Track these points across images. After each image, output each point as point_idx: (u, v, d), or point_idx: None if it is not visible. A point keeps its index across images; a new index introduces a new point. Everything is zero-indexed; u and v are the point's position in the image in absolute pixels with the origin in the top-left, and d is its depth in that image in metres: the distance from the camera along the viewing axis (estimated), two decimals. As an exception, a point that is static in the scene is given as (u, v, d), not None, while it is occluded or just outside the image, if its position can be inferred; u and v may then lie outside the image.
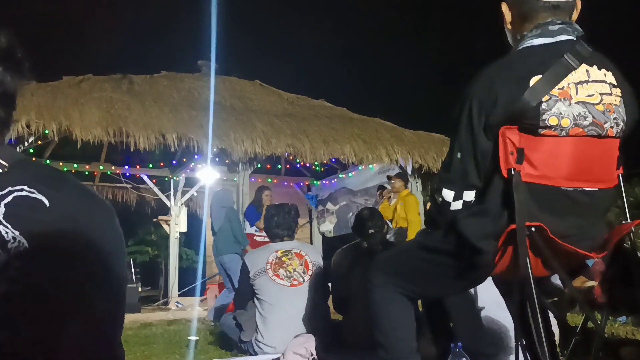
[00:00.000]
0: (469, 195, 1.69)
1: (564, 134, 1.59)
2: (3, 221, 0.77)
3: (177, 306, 8.70)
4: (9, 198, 0.78)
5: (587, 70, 1.62)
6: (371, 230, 3.86)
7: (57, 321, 0.78)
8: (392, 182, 7.65)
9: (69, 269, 0.80)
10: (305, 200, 11.11)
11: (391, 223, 7.51)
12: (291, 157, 8.29)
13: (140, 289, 9.68)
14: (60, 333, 0.79)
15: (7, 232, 0.76)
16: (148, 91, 8.44)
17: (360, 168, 9.90)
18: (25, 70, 0.89)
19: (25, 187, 0.80)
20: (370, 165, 9.59)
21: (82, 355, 0.83)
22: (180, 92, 8.84)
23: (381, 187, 8.49)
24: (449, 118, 1.76)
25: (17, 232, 0.77)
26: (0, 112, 0.87)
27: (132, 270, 11.78)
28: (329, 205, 10.98)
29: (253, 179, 8.85)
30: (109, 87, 8.12)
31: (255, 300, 3.74)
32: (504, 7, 1.79)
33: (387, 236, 7.30)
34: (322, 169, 10.81)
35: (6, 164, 0.80)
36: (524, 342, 1.75)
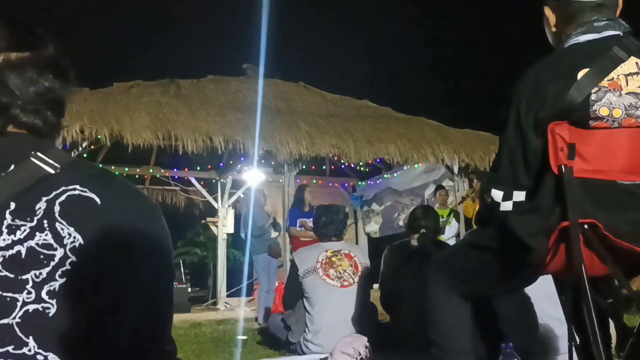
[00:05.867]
0: (519, 196, 1.66)
1: (617, 125, 1.54)
2: (59, 218, 0.80)
3: (226, 306, 8.83)
4: (63, 197, 0.82)
5: (636, 63, 1.57)
6: (423, 230, 3.82)
7: (111, 313, 0.81)
8: (474, 183, 8.24)
9: (121, 263, 0.82)
10: (350, 201, 11.09)
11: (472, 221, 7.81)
12: (336, 158, 8.29)
13: (189, 290, 9.87)
14: (113, 325, 0.81)
15: (62, 229, 0.80)
16: (195, 95, 8.60)
17: (405, 168, 9.82)
18: (72, 78, 0.94)
19: (78, 186, 0.83)
20: (416, 165, 9.50)
21: (135, 348, 0.86)
22: (226, 95, 8.97)
23: (439, 187, 8.41)
24: (497, 119, 1.74)
25: (72, 229, 0.80)
26: (52, 117, 0.91)
27: (182, 271, 12.02)
28: (374, 206, 10.93)
29: (298, 180, 8.90)
30: (157, 91, 8.31)
31: (304, 299, 3.76)
32: (547, 10, 1.77)
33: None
34: (367, 169, 10.77)
35: (58, 165, 0.84)
36: (578, 342, 1.70)
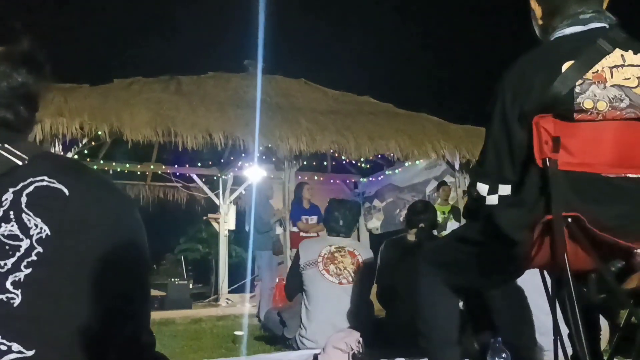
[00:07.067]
0: (505, 190, 1.65)
1: (601, 118, 1.53)
2: (25, 209, 0.80)
3: (227, 303, 8.85)
4: (31, 188, 0.82)
5: (622, 55, 1.56)
6: (422, 225, 3.83)
7: (79, 304, 0.81)
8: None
9: (89, 254, 0.82)
10: (351, 197, 11.08)
11: None
12: (336, 154, 8.30)
13: (191, 286, 9.90)
14: (82, 316, 0.81)
15: (29, 220, 0.80)
16: (195, 91, 8.61)
17: (406, 164, 9.81)
18: (47, 73, 0.94)
19: (46, 177, 0.83)
20: (417, 161, 9.49)
21: (106, 339, 0.86)
22: (226, 92, 8.97)
23: (442, 183, 8.39)
24: (483, 112, 1.74)
25: (39, 220, 0.80)
26: (24, 112, 0.91)
27: (184, 267, 12.07)
28: (376, 202, 10.92)
29: (299, 177, 8.90)
30: (157, 88, 8.32)
31: (303, 293, 3.77)
32: (533, 3, 1.76)
33: None
34: (368, 166, 10.77)
35: (26, 157, 0.84)
36: (565, 337, 1.70)
